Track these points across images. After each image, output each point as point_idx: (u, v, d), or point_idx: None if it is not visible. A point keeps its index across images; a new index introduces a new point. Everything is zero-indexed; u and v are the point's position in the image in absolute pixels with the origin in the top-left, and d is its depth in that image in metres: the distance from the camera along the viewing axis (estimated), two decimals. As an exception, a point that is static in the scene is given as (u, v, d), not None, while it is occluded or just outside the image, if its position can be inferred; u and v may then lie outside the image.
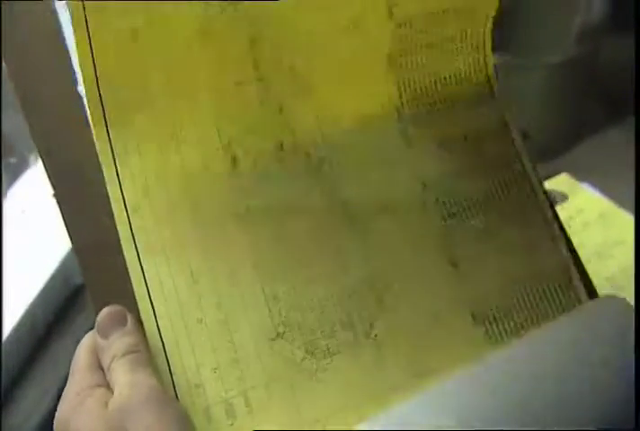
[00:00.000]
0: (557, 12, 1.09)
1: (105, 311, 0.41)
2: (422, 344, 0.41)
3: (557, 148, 0.85)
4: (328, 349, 0.40)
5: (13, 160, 1.16)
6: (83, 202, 0.42)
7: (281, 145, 0.41)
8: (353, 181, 0.42)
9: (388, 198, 0.42)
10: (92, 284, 0.42)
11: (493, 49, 0.43)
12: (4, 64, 0.44)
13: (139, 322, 0.41)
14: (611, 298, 0.43)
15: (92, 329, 0.42)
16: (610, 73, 1.00)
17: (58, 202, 0.42)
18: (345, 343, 0.40)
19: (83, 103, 0.40)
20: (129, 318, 0.41)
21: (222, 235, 0.41)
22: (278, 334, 0.40)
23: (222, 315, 0.40)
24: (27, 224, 0.97)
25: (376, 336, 0.40)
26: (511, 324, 0.42)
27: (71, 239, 0.42)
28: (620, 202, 0.62)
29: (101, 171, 0.40)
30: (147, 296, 0.40)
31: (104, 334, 0.40)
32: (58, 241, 0.92)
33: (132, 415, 0.37)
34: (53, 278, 0.91)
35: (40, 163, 1.04)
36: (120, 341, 0.40)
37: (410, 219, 0.42)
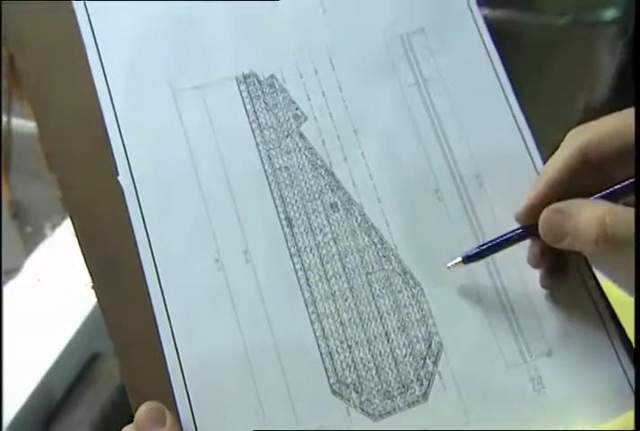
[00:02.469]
0: (561, 91, 1.15)
1: (144, 407, 0.40)
2: None
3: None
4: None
5: (28, 229, 1.18)
6: (120, 295, 0.43)
7: None
8: None
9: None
10: (130, 378, 0.42)
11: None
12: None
13: (178, 421, 0.41)
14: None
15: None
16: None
17: (96, 289, 0.43)
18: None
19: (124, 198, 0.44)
20: (168, 417, 0.40)
21: None
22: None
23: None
24: (43, 292, 0.99)
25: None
26: None
27: (110, 335, 0.42)
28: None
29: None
30: None
31: None
32: (74, 310, 0.93)
33: None
34: (68, 347, 0.91)
35: (55, 233, 1.08)
36: None
37: None
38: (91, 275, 0.43)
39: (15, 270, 1.01)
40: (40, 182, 1.16)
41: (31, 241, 1.12)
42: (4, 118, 1.13)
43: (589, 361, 0.44)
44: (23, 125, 1.18)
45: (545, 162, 0.45)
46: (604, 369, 0.44)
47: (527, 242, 0.44)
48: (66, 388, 0.91)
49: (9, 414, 0.83)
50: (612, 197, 0.40)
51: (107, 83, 0.45)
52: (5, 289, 0.97)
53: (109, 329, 0.42)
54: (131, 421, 0.40)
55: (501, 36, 0.48)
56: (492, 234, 0.44)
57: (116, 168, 0.44)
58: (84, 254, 0.43)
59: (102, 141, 0.44)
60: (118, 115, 0.45)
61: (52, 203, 1.15)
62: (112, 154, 0.44)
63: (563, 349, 0.44)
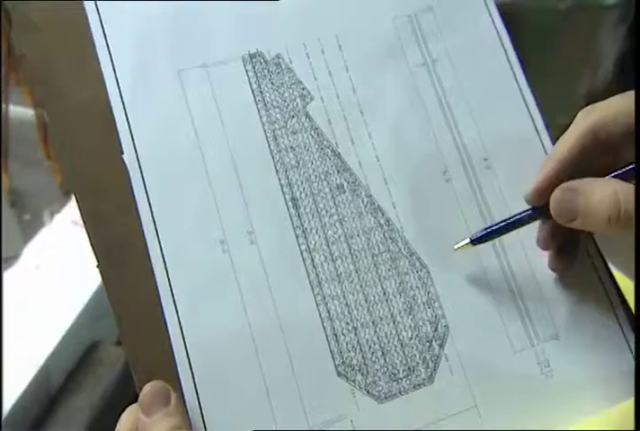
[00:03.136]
0: (563, 75, 1.14)
1: (148, 387, 0.40)
2: None
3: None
4: None
5: (27, 217, 1.18)
6: (125, 275, 0.43)
7: None
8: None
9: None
10: (134, 358, 0.41)
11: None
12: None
13: (182, 401, 0.40)
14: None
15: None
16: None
17: (101, 271, 0.42)
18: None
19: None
20: (173, 397, 0.40)
21: None
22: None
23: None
24: (41, 280, 0.99)
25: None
26: None
27: (115, 315, 0.42)
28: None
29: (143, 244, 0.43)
30: None
31: (147, 412, 0.39)
32: (72, 298, 0.94)
33: None
34: (67, 335, 0.91)
35: (54, 220, 1.07)
36: (162, 422, 0.39)
37: None
38: (96, 255, 0.42)
39: (14, 258, 1.01)
40: (39, 170, 1.16)
41: (29, 228, 1.12)
42: (3, 106, 1.12)
43: (597, 344, 0.44)
44: (21, 112, 1.18)
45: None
46: (612, 352, 0.44)
47: (535, 225, 0.44)
48: (66, 375, 0.91)
49: (9, 401, 0.83)
50: (624, 178, 0.40)
51: (113, 65, 0.45)
52: (4, 277, 0.97)
53: (113, 309, 0.42)
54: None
55: (502, 20, 0.48)
56: (500, 217, 0.44)
57: (121, 148, 0.43)
58: (89, 234, 0.42)
59: (107, 121, 0.44)
60: (123, 94, 0.44)
61: (51, 190, 1.15)
62: (118, 134, 0.44)
63: (571, 332, 0.44)
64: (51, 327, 0.92)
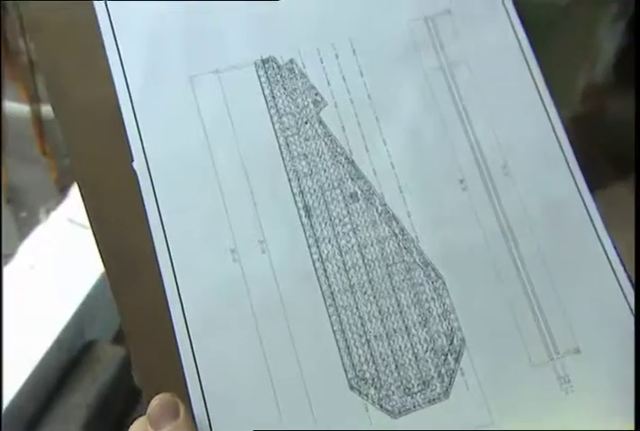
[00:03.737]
0: (562, 70, 1.14)
1: (157, 400, 0.40)
2: None
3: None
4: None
5: (23, 214, 1.17)
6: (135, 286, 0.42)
7: None
8: None
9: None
10: (141, 364, 0.41)
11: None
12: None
13: (191, 414, 0.40)
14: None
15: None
16: (615, 129, 1.04)
17: (110, 280, 0.42)
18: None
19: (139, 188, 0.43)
20: (182, 410, 0.39)
21: None
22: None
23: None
24: (36, 279, 0.98)
25: None
26: None
27: (123, 322, 0.42)
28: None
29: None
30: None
31: (156, 425, 0.39)
32: (68, 296, 0.93)
33: None
34: (63, 333, 0.91)
35: (50, 218, 1.07)
36: None
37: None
38: (105, 266, 0.42)
39: (10, 255, 1.00)
40: (34, 166, 1.15)
41: (25, 226, 1.11)
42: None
43: (619, 358, 0.43)
44: (17, 108, 1.17)
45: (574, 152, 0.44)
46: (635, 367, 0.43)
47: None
48: (63, 373, 0.91)
49: (6, 398, 0.83)
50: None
51: (123, 67, 0.44)
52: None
53: (122, 319, 0.41)
54: (129, 408, 0.40)
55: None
56: (519, 227, 0.44)
57: (131, 154, 0.43)
58: (97, 242, 0.42)
59: (116, 123, 0.43)
60: (133, 100, 0.43)
61: (46, 187, 1.14)
62: (128, 141, 0.43)
63: (592, 346, 0.43)
64: (47, 325, 0.91)
